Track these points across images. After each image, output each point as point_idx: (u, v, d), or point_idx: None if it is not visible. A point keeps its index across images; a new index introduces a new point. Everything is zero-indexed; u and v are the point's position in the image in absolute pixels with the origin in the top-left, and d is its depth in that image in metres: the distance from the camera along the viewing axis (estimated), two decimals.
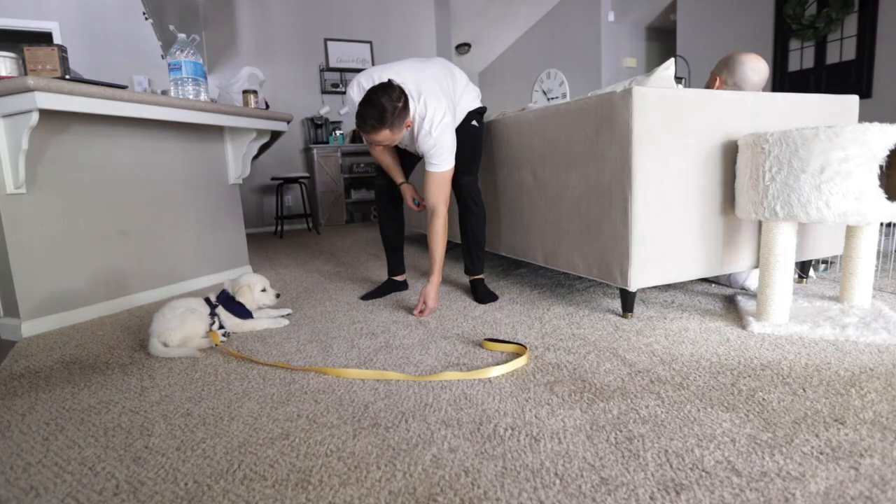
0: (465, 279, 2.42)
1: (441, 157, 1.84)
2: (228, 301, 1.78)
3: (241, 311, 1.79)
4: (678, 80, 2.29)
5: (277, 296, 1.88)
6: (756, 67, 1.92)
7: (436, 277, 1.89)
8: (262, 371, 1.41)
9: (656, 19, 5.96)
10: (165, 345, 1.56)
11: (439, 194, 1.88)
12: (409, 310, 1.96)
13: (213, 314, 1.72)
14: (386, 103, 1.64)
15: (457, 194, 2.08)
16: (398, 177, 2.09)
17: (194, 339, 1.61)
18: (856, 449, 0.90)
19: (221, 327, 1.72)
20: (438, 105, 1.80)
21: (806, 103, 1.80)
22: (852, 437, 0.94)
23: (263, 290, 1.84)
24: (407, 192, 2.08)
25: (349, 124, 5.81)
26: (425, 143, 1.83)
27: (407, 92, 1.74)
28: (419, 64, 1.89)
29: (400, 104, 1.67)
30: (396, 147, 2.07)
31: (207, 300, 1.75)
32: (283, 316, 1.92)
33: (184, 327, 1.59)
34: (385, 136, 1.70)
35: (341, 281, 2.55)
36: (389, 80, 1.71)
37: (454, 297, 2.13)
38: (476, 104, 2.04)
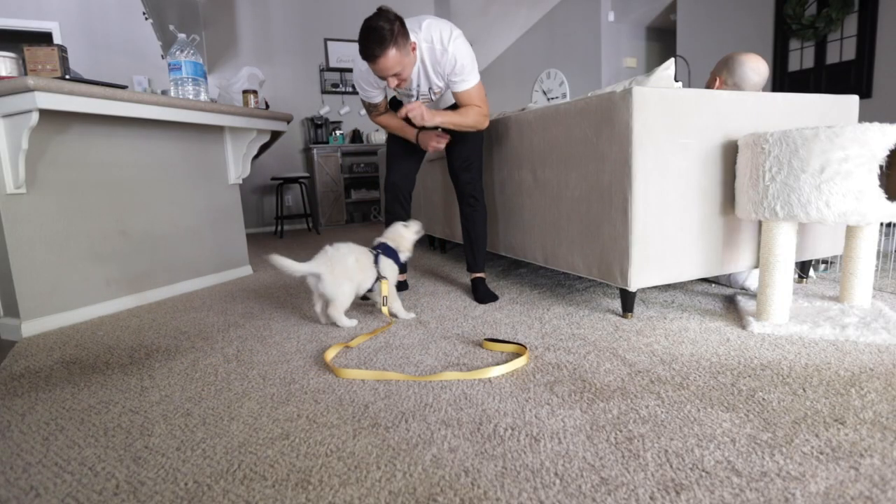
0: (465, 279, 2.42)
1: (465, 71, 1.80)
2: (388, 250, 1.89)
3: (399, 260, 1.92)
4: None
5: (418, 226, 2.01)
6: (756, 67, 1.92)
7: (436, 114, 1.83)
8: (261, 371, 1.41)
9: (656, 19, 5.96)
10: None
11: (478, 102, 1.87)
12: (410, 310, 1.96)
13: (377, 264, 1.84)
14: (383, 23, 1.62)
15: (458, 192, 2.08)
16: (411, 132, 2.03)
17: (343, 303, 1.75)
18: (856, 449, 0.90)
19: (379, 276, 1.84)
20: (443, 25, 1.77)
21: (806, 103, 1.80)
22: (852, 437, 0.94)
23: (405, 226, 1.97)
24: (430, 137, 1.99)
25: (349, 124, 5.81)
26: (444, 64, 1.79)
27: (411, 34, 1.71)
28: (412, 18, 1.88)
29: (397, 23, 1.64)
30: (404, 132, 2.05)
31: (372, 251, 1.87)
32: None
33: (347, 281, 1.73)
34: (393, 58, 1.64)
35: None
36: (380, 7, 1.67)
37: (454, 296, 2.13)
38: None
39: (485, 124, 1.94)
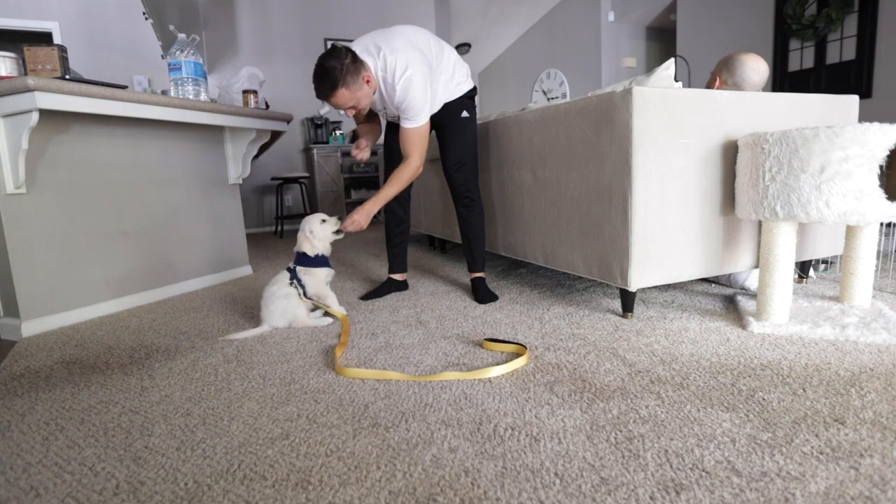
0: (466, 279, 2.42)
1: (410, 112, 1.79)
2: (301, 258, 1.83)
3: (318, 262, 1.84)
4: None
5: (340, 219, 1.89)
6: (756, 67, 1.92)
7: (370, 204, 1.87)
8: (262, 371, 1.41)
9: (656, 19, 5.96)
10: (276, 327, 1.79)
11: (412, 147, 1.85)
12: (410, 310, 1.96)
13: (292, 279, 1.80)
14: (333, 63, 1.65)
15: (453, 193, 2.08)
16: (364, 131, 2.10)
17: (300, 320, 1.79)
18: (856, 449, 0.90)
19: (307, 294, 1.81)
20: (399, 57, 1.74)
21: (806, 103, 1.80)
22: (852, 437, 0.94)
23: (323, 222, 1.86)
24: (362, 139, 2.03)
25: (349, 124, 5.81)
26: (394, 98, 1.79)
27: (361, 49, 1.75)
28: (384, 30, 1.86)
29: (347, 60, 1.67)
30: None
31: (289, 269, 1.83)
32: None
33: (284, 318, 1.77)
34: (345, 97, 1.70)
35: (341, 281, 2.55)
36: (333, 45, 1.71)
37: (454, 297, 2.13)
38: (467, 85, 2.00)
39: (416, 174, 1.91)
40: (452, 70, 1.95)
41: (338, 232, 1.88)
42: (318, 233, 1.85)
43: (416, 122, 1.82)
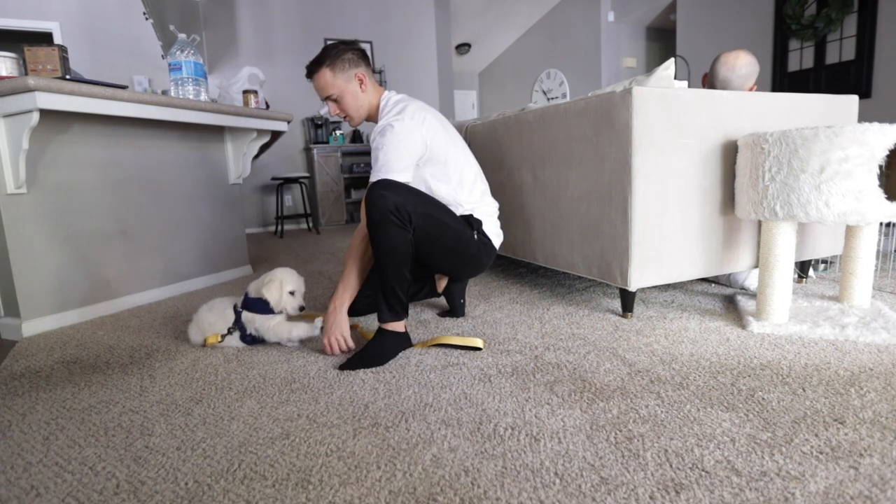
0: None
1: (376, 165, 1.46)
2: (248, 302, 1.60)
3: (263, 308, 1.58)
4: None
5: (302, 308, 1.61)
6: (731, 63, 1.88)
7: (338, 300, 1.51)
8: (262, 371, 1.41)
9: (656, 19, 5.97)
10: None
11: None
12: (410, 308, 1.95)
13: (236, 322, 1.60)
14: (336, 44, 1.55)
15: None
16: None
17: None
18: (855, 449, 0.90)
19: (247, 337, 1.60)
20: (405, 103, 1.55)
21: (805, 103, 1.81)
22: (852, 437, 0.94)
23: (292, 293, 1.60)
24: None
25: (349, 124, 5.81)
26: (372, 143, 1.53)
27: (390, 92, 1.62)
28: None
29: (348, 50, 1.55)
30: None
31: (235, 307, 1.62)
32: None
33: (212, 329, 1.61)
34: (325, 78, 1.54)
35: None
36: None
37: None
38: (469, 209, 1.63)
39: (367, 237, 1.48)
40: (458, 182, 1.62)
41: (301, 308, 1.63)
42: (285, 298, 1.58)
43: (374, 175, 1.46)
